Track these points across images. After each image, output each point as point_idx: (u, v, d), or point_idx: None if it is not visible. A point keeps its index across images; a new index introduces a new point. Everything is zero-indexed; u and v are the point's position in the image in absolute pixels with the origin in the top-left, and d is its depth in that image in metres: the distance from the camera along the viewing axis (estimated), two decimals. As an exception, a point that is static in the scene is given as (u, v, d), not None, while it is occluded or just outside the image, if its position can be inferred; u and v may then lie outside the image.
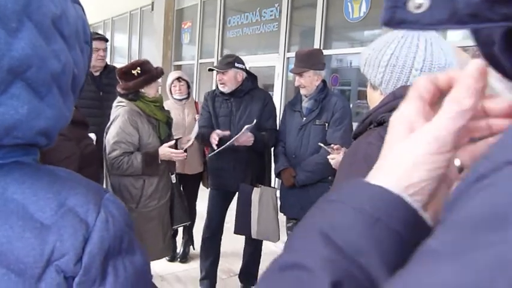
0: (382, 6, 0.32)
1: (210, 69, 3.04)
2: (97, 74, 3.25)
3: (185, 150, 2.78)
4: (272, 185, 3.19)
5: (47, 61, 0.49)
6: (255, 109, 2.90)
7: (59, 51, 0.51)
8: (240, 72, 2.91)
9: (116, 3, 8.82)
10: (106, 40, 3.54)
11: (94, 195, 0.54)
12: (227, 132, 2.80)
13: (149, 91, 2.52)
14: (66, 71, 0.52)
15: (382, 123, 0.97)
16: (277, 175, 2.95)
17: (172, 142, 2.60)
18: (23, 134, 0.49)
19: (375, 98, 1.07)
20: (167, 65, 7.52)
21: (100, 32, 10.82)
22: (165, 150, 2.49)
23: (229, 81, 2.87)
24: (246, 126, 2.68)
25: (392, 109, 0.97)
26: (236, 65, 2.87)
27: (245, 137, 2.75)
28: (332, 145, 2.42)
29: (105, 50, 3.44)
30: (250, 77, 3.00)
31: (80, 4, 0.59)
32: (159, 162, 2.48)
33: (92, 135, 2.54)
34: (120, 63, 8.68)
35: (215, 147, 2.79)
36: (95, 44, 3.17)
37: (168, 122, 2.68)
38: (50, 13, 0.49)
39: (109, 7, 9.32)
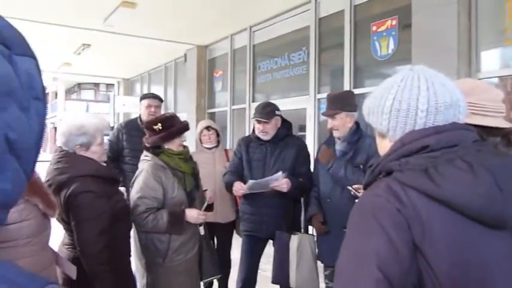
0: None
1: (256, 120, 2.94)
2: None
3: (211, 205, 2.74)
4: (310, 231, 3.06)
5: None
6: (288, 155, 2.89)
7: None
8: (279, 119, 2.95)
9: (152, 58, 9.22)
10: (159, 99, 3.68)
11: None
12: (246, 188, 2.80)
13: (171, 146, 2.49)
14: None
15: (391, 173, 0.91)
16: (309, 221, 2.83)
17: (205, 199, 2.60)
18: None
19: (384, 147, 1.00)
20: (201, 113, 7.67)
21: (138, 85, 11.31)
22: (193, 214, 2.43)
23: (271, 130, 2.90)
24: (280, 173, 2.70)
25: (401, 156, 0.90)
26: (276, 112, 2.92)
27: (279, 182, 2.71)
28: (355, 186, 2.34)
29: (157, 107, 3.62)
30: (285, 123, 3.01)
31: (30, 56, 0.49)
32: (185, 221, 2.41)
33: (122, 189, 2.54)
34: (157, 113, 8.87)
35: (239, 196, 2.80)
36: (147, 101, 3.59)
37: (194, 173, 2.64)
38: None
39: (145, 62, 9.76)
